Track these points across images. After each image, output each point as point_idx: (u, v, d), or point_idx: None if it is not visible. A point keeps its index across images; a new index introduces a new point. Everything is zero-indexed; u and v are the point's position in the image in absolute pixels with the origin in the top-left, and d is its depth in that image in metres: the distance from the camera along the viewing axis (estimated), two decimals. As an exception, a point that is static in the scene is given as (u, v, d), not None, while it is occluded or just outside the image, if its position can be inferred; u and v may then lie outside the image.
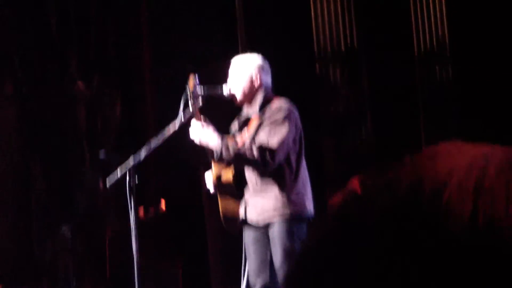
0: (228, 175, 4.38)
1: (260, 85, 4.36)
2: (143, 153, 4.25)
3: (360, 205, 0.62)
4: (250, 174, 4.32)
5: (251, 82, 4.37)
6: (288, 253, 4.09)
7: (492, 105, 5.98)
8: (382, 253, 0.59)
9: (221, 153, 4.18)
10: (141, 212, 4.62)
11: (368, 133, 5.97)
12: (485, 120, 5.78)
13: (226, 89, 4.34)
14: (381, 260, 0.59)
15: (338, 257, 0.61)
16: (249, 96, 4.36)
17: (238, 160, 4.23)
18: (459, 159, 0.59)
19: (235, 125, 4.44)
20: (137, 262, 4.12)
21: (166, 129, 4.29)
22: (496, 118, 5.84)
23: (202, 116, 4.24)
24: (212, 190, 4.40)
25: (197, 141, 4.23)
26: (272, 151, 4.18)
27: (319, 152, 5.84)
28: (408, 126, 5.66)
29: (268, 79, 4.41)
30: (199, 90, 4.25)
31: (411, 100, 5.85)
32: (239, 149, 4.18)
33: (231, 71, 4.39)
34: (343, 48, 6.11)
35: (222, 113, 4.64)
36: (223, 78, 4.39)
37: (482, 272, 0.56)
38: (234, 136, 4.39)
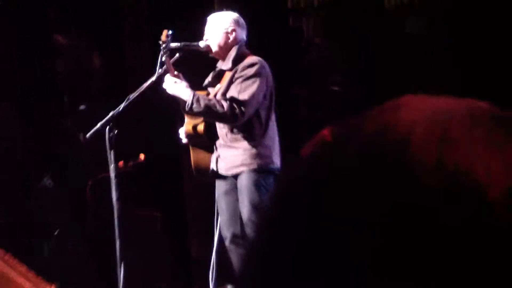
0: (200, 127, 4.49)
1: (235, 40, 4.47)
2: (121, 106, 4.37)
3: (326, 154, 0.60)
4: (221, 127, 4.44)
5: (227, 36, 4.49)
6: (255, 205, 4.22)
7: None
8: (348, 203, 0.58)
9: (191, 104, 4.29)
10: (121, 163, 4.81)
11: (340, 84, 6.15)
12: (466, 76, 5.82)
13: (202, 43, 4.47)
14: (347, 210, 0.58)
15: (305, 207, 0.60)
16: (224, 50, 4.47)
17: (208, 113, 4.32)
18: (423, 111, 0.59)
19: (208, 79, 4.55)
20: (117, 210, 4.28)
21: (145, 83, 4.39)
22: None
23: (176, 71, 4.34)
24: (184, 141, 4.53)
25: (170, 92, 4.34)
26: (242, 105, 4.28)
27: (292, 103, 6.04)
28: (382, 78, 5.82)
29: (243, 36, 4.53)
30: (173, 44, 4.33)
31: (383, 52, 5.99)
32: (209, 102, 4.30)
33: (207, 27, 4.51)
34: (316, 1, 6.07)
35: (198, 70, 4.78)
36: (199, 38, 4.54)
37: (444, 217, 0.55)
38: (206, 89, 4.51)
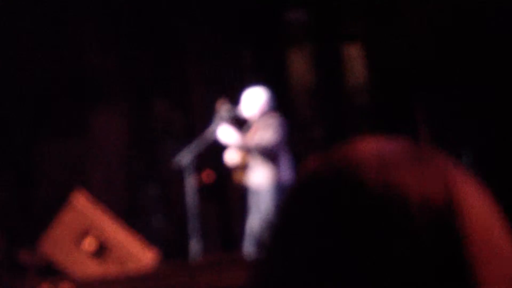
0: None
1: (266, 109, 6.19)
2: (187, 158, 6.02)
3: (309, 180, 0.77)
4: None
5: (262, 110, 6.18)
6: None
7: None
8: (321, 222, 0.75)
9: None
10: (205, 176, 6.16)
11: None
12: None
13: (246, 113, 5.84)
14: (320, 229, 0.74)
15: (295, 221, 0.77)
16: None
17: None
18: (372, 150, 0.77)
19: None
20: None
21: (205, 134, 5.90)
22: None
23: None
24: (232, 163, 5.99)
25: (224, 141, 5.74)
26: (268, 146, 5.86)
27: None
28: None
29: (270, 105, 6.33)
30: (229, 113, 5.82)
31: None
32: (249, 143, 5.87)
33: (244, 104, 6.16)
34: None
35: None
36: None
37: (381, 219, 0.74)
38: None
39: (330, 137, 7.84)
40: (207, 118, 6.61)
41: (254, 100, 6.14)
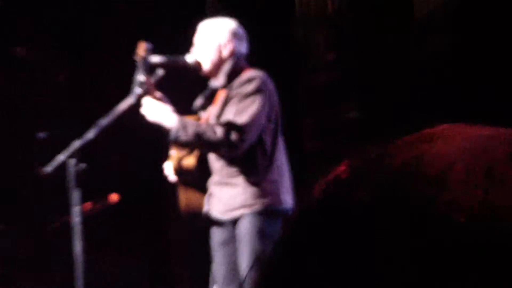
0: (190, 161, 4.20)
1: (231, 54, 4.17)
2: (91, 134, 4.06)
3: (340, 194, 0.60)
4: (215, 160, 4.14)
5: (220, 50, 4.19)
6: (257, 256, 3.99)
7: (495, 83, 5.81)
8: (372, 250, 0.57)
9: (177, 133, 3.99)
10: (88, 205, 4.31)
11: (354, 109, 5.88)
12: (486, 101, 5.62)
13: (191, 58, 4.16)
14: (372, 259, 0.57)
15: (315, 260, 0.59)
16: (218, 66, 4.18)
17: (199, 142, 4.02)
18: (463, 142, 0.59)
19: (198, 101, 4.28)
20: (80, 262, 4.04)
21: (119, 106, 4.13)
22: (498, 98, 5.70)
23: (157, 93, 4.09)
24: (172, 178, 4.25)
25: (151, 119, 4.06)
26: (240, 131, 3.97)
27: (298, 131, 5.75)
28: (400, 103, 5.62)
29: (241, 48, 4.23)
30: (153, 59, 4.06)
31: (404, 74, 5.79)
32: (199, 128, 3.99)
33: (198, 37, 4.22)
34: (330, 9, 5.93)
35: (185, 90, 4.46)
36: (186, 50, 4.24)
37: (486, 265, 0.56)
38: (196, 114, 4.24)
39: (373, 117, 5.90)
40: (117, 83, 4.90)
41: (213, 42, 4.24)
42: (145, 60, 4.01)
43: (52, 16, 6.31)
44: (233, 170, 4.10)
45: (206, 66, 4.18)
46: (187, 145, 4.14)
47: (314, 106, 6.01)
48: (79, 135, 4.10)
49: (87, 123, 4.27)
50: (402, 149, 0.60)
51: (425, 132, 0.62)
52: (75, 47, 6.31)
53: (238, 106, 4.05)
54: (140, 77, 4.04)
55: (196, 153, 4.21)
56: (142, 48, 4.02)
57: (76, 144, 4.00)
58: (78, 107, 6.14)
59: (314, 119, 6.06)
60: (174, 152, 4.23)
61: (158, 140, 4.53)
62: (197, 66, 4.18)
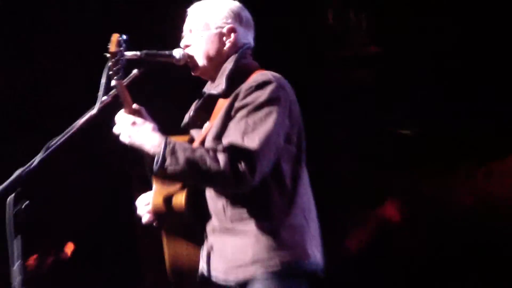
0: (178, 198, 3.73)
1: (234, 47, 3.81)
2: (38, 159, 3.58)
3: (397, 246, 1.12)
4: (214, 198, 3.73)
5: (219, 39, 3.81)
6: None
7: None
8: None
9: (163, 161, 3.54)
10: (33, 259, 4.12)
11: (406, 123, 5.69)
12: None
13: (178, 52, 3.81)
14: None
15: None
16: (216, 63, 3.80)
17: (192, 173, 3.56)
18: None
19: (189, 114, 3.91)
20: None
21: (77, 121, 3.66)
22: None
23: (134, 104, 3.67)
24: (148, 222, 3.82)
25: (126, 141, 3.66)
26: (249, 157, 3.53)
27: (322, 147, 5.41)
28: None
29: (248, 38, 3.87)
30: (128, 54, 3.61)
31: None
32: (193, 154, 3.55)
33: (187, 24, 3.91)
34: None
35: (171, 98, 4.24)
36: (174, 43, 3.88)
37: None
38: (187, 132, 3.88)
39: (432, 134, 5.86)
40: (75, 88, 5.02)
41: (209, 29, 3.80)
42: (118, 56, 3.53)
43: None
44: (240, 212, 3.64)
45: (200, 62, 3.80)
46: (176, 177, 3.68)
47: (346, 113, 5.76)
48: (20, 161, 3.64)
49: (32, 144, 3.89)
50: (463, 188, 0.89)
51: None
52: (13, 38, 6.18)
53: (246, 123, 3.60)
54: (111, 80, 3.54)
55: (187, 188, 3.76)
56: (115, 41, 3.55)
57: (17, 173, 3.56)
58: (18, 121, 5.91)
59: (345, 131, 5.81)
60: (156, 187, 3.81)
61: (129, 167, 4.40)
62: (188, 63, 3.81)
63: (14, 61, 6.60)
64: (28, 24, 6.62)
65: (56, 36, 6.54)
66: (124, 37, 3.60)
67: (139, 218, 3.98)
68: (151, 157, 3.59)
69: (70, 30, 6.43)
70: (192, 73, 3.85)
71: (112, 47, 3.57)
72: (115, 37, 3.59)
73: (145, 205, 3.83)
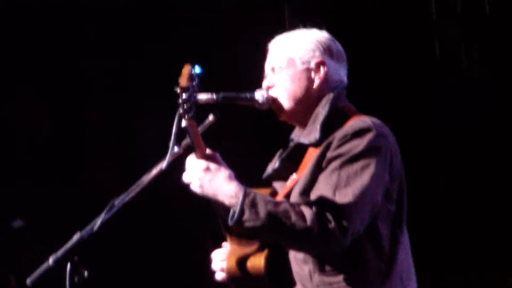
0: (257, 261, 3.70)
1: (325, 83, 3.71)
2: (98, 221, 3.50)
3: None
4: (299, 260, 3.70)
5: (308, 76, 3.72)
6: None
7: None
8: None
9: (241, 214, 3.45)
10: None
11: None
12: None
13: (261, 94, 3.74)
14: None
15: None
16: (305, 105, 3.73)
17: (274, 231, 3.50)
18: None
19: (273, 164, 3.88)
20: None
21: (145, 176, 3.58)
22: None
23: (208, 149, 3.60)
24: (223, 281, 3.79)
25: (197, 190, 3.58)
26: (341, 215, 3.45)
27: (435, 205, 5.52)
28: None
29: (340, 73, 3.78)
30: (202, 97, 3.61)
31: None
32: (276, 210, 3.48)
33: (270, 61, 3.85)
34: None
35: (253, 146, 4.20)
36: (256, 83, 3.85)
37: None
38: (269, 185, 3.87)
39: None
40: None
41: (295, 65, 3.67)
42: (190, 95, 3.36)
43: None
44: (329, 278, 3.57)
45: (287, 105, 3.72)
46: (255, 234, 3.63)
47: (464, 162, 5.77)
48: (78, 223, 3.64)
49: (91, 203, 4.06)
50: None
51: None
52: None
53: (338, 176, 3.51)
54: (182, 122, 3.43)
55: (267, 249, 3.71)
56: (187, 75, 3.39)
57: (77, 237, 3.51)
58: (73, 177, 5.89)
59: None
60: (231, 246, 3.82)
61: (201, 224, 4.35)
62: (272, 106, 3.76)
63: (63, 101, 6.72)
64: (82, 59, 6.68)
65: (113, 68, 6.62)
66: (198, 70, 3.47)
67: (213, 273, 3.95)
68: (227, 210, 3.54)
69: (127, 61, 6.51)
70: (279, 118, 3.79)
71: (183, 81, 3.41)
72: (187, 69, 3.45)
73: (221, 260, 3.78)
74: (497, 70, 6.53)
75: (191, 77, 3.42)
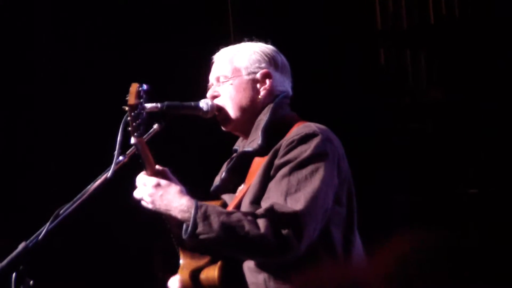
0: (210, 273, 3.69)
1: (270, 94, 3.79)
2: (43, 230, 3.52)
3: None
4: (253, 270, 3.68)
5: (253, 86, 3.78)
6: None
7: None
8: None
9: (194, 227, 3.50)
10: None
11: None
12: None
13: (205, 103, 3.80)
14: None
15: None
16: (250, 114, 3.79)
17: (229, 241, 3.54)
18: None
19: (221, 175, 3.88)
20: None
21: (90, 185, 3.62)
22: None
23: (157, 165, 3.65)
24: None
25: (150, 206, 3.62)
26: (294, 221, 3.49)
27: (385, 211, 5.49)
28: None
29: (284, 84, 3.86)
30: (148, 106, 3.57)
31: None
32: (229, 220, 3.52)
33: (215, 71, 3.92)
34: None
35: (199, 157, 4.25)
36: (200, 93, 3.90)
37: None
38: (218, 197, 3.86)
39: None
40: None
41: (240, 75, 3.78)
42: (137, 109, 3.45)
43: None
44: (284, 285, 3.58)
45: (232, 114, 3.79)
46: (210, 246, 3.62)
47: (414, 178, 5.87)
48: (23, 234, 3.62)
49: (36, 213, 3.97)
50: None
51: None
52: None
53: (288, 182, 3.55)
54: (132, 137, 3.43)
55: (221, 260, 3.69)
56: (134, 92, 3.45)
57: (22, 246, 3.52)
58: (16, 185, 5.93)
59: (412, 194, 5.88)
60: (183, 261, 3.76)
61: (152, 239, 4.40)
62: (217, 116, 3.82)
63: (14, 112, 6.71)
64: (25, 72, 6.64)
65: (62, 85, 6.58)
66: (145, 87, 3.53)
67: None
68: (180, 223, 3.56)
69: (78, 77, 6.44)
70: (222, 128, 3.84)
71: (131, 98, 3.49)
72: (134, 87, 3.52)
73: (174, 282, 3.73)
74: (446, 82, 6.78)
75: (139, 94, 3.46)
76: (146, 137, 3.62)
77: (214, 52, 3.97)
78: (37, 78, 6.82)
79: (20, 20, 6.92)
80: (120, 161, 3.56)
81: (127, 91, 3.64)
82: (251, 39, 3.99)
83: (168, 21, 6.74)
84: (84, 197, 3.66)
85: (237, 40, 4.19)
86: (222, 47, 3.94)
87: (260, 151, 3.69)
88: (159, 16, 6.78)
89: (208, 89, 3.85)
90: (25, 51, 6.96)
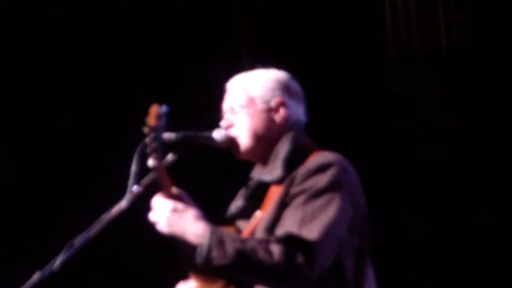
0: None
1: (285, 122, 3.85)
2: (60, 258, 3.59)
3: None
4: None
5: (268, 115, 3.85)
6: None
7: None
8: None
9: (208, 252, 3.54)
10: None
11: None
12: None
13: (220, 134, 3.85)
14: None
15: None
16: (265, 144, 3.84)
17: (242, 268, 3.58)
18: None
19: (236, 203, 3.93)
20: None
21: (104, 215, 3.68)
22: None
23: (174, 188, 3.69)
24: None
25: (165, 229, 3.66)
26: (308, 250, 3.55)
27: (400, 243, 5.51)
28: None
29: (299, 112, 3.91)
30: (167, 136, 3.67)
31: None
32: (243, 246, 3.57)
33: (228, 100, 3.96)
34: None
35: (214, 185, 4.34)
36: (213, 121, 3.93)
37: None
38: (233, 223, 3.91)
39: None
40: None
41: (255, 103, 3.85)
42: (157, 134, 3.52)
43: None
44: None
45: (247, 144, 3.82)
46: (223, 272, 3.67)
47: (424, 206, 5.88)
48: (39, 263, 3.68)
49: (52, 242, 3.95)
50: None
51: None
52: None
53: (303, 211, 3.59)
54: (149, 161, 3.53)
55: (233, 285, 3.73)
56: (154, 113, 3.53)
57: (37, 277, 3.60)
58: (35, 216, 5.92)
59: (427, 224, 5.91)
60: (196, 284, 3.83)
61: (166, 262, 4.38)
62: (231, 145, 3.85)
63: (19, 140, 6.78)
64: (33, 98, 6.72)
65: (76, 106, 6.63)
66: (165, 109, 3.57)
67: None
68: (193, 248, 3.59)
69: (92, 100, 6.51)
70: (236, 157, 3.86)
71: (151, 120, 3.54)
72: (154, 108, 3.57)
73: None
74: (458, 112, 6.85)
75: (159, 116, 3.54)
76: (165, 163, 3.63)
77: (223, 70, 4.04)
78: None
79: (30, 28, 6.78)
80: (135, 191, 3.59)
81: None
82: (263, 66, 3.99)
83: (177, 38, 6.72)
84: (98, 227, 3.70)
85: (247, 62, 4.34)
86: (234, 75, 3.99)
87: (276, 180, 3.70)
88: (168, 32, 6.76)
89: (222, 118, 3.89)
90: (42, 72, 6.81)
